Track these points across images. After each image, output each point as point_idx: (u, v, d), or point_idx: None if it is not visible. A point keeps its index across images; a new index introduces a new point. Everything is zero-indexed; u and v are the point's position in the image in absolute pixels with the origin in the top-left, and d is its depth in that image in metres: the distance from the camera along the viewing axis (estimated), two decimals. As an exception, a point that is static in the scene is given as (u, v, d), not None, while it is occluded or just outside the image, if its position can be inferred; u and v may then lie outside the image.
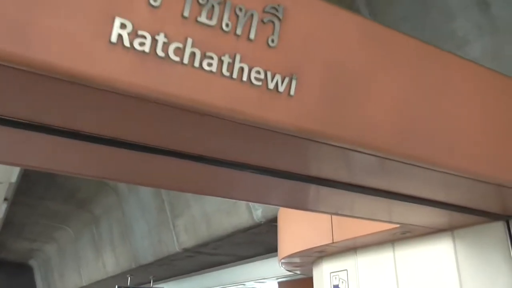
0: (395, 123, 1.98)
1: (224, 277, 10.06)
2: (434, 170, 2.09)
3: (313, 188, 2.35)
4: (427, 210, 2.73)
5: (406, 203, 2.52)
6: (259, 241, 7.38)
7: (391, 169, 2.11)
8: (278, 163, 2.08)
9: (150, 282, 13.38)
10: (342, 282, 4.39)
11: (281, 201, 3.02)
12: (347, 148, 1.89)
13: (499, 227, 3.11)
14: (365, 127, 1.89)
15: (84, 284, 14.92)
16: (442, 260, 3.44)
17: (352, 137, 1.85)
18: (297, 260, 5.03)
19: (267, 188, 2.44)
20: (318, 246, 4.21)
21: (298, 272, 6.20)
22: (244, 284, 9.75)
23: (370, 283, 4.05)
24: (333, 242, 4.00)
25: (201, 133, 1.78)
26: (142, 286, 13.18)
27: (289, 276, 8.33)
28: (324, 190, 2.31)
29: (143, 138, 1.81)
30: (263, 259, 8.47)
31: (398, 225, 3.34)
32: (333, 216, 4.06)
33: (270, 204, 4.96)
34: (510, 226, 3.05)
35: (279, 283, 11.03)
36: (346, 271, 4.36)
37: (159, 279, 13.25)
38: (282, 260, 5.07)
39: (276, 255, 8.52)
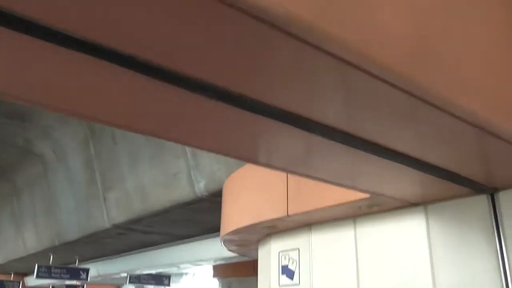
0: (408, 36, 1.46)
1: (157, 258, 9.36)
2: (426, 103, 1.58)
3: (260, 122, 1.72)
4: (400, 172, 2.26)
5: (375, 158, 2.01)
6: (198, 220, 6.78)
7: (378, 100, 1.58)
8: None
9: (76, 262, 12.40)
10: (293, 262, 3.90)
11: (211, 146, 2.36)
12: (343, 60, 1.33)
13: (481, 202, 2.73)
14: (372, 31, 1.34)
15: (0, 262, 13.61)
16: (412, 240, 3.02)
17: (353, 41, 1.30)
18: (242, 237, 4.49)
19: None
20: (269, 220, 3.69)
21: (240, 253, 5.67)
22: (178, 267, 9.11)
23: (325, 263, 3.58)
24: (287, 215, 3.48)
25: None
26: (66, 266, 12.16)
27: (226, 259, 7.81)
28: (276, 128, 1.72)
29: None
30: (201, 239, 7.88)
31: (364, 197, 2.88)
32: (290, 186, 3.55)
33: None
34: (496, 201, 2.66)
35: (215, 266, 10.53)
36: (297, 250, 3.88)
37: (86, 259, 12.30)
38: (225, 237, 4.51)
39: (216, 236, 7.98)
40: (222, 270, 10.57)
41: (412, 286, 2.93)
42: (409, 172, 2.25)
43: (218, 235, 6.97)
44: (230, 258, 7.44)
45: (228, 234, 4.36)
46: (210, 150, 2.07)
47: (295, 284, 3.81)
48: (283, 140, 1.92)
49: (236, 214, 4.27)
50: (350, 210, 3.28)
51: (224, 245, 5.05)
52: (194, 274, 17.34)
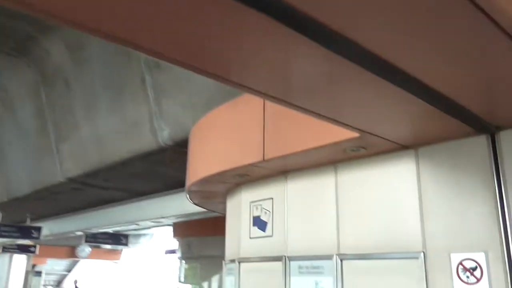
0: None
1: (116, 216, 8.97)
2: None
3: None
4: (396, 101, 1.99)
5: (372, 77, 1.71)
6: (160, 174, 6.40)
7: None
8: None
9: (27, 220, 11.80)
10: (265, 213, 3.64)
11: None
12: None
13: (479, 144, 2.51)
14: None
15: None
16: (400, 186, 2.79)
17: None
18: (210, 187, 4.18)
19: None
20: (243, 166, 3.38)
21: (205, 207, 5.38)
22: (138, 224, 8.76)
23: (302, 214, 3.34)
24: (263, 160, 3.18)
25: None
26: (16, 224, 11.56)
27: (189, 215, 7.53)
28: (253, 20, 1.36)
29: None
30: (163, 195, 7.53)
31: (352, 136, 2.60)
32: (267, 128, 3.23)
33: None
34: (497, 142, 2.45)
35: (175, 226, 10.24)
36: (271, 200, 3.61)
37: (38, 217, 11.72)
38: (191, 188, 4.18)
39: (179, 192, 7.65)
40: (182, 230, 10.30)
41: (399, 236, 2.73)
42: (406, 101, 1.98)
43: (182, 191, 6.65)
44: (193, 214, 7.16)
45: (195, 184, 4.04)
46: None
47: (268, 236, 3.56)
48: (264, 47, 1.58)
49: (204, 162, 3.94)
50: (332, 154, 3.01)
51: (190, 197, 4.73)
52: (153, 234, 17.07)
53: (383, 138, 2.61)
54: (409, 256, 2.64)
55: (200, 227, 9.91)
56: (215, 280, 10.10)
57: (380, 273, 2.76)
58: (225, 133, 3.69)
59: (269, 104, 3.24)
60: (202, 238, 9.90)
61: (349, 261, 2.94)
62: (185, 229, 10.26)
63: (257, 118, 3.31)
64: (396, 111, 2.22)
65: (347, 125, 2.38)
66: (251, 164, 3.30)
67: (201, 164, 3.99)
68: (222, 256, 4.39)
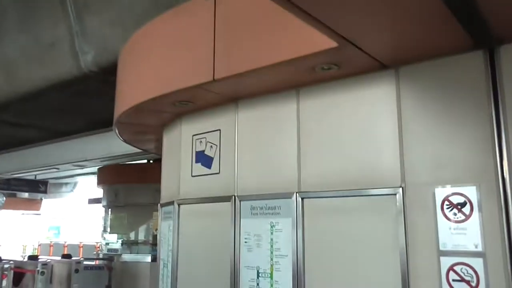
0: None
1: (32, 159, 8.05)
2: None
3: None
4: None
5: None
6: (83, 108, 5.64)
7: None
8: None
9: None
10: (211, 147, 3.15)
11: None
12: None
13: (474, 60, 2.16)
14: None
15: None
16: (376, 113, 2.42)
17: None
18: (144, 118, 3.59)
19: None
20: (186, 89, 2.83)
21: (137, 145, 4.78)
22: (57, 168, 7.94)
23: (255, 148, 2.89)
24: (213, 80, 2.65)
25: None
26: None
27: (116, 157, 6.86)
28: None
29: None
30: (88, 135, 6.76)
31: (325, 48, 2.15)
32: (218, 42, 2.68)
33: None
34: (496, 58, 2.10)
35: (100, 170, 9.52)
36: (218, 132, 3.12)
37: None
38: (122, 118, 3.57)
39: (105, 131, 6.92)
40: (108, 176, 9.61)
41: (374, 170, 2.37)
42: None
43: (109, 130, 5.95)
44: (120, 156, 6.52)
45: (126, 114, 3.43)
46: None
47: (214, 173, 3.10)
48: None
49: (137, 85, 3.33)
50: (295, 75, 2.55)
51: (119, 132, 4.11)
52: (76, 183, 16.12)
53: (362, 50, 2.18)
54: (385, 192, 2.30)
55: (127, 174, 9.32)
56: (142, 230, 9.67)
57: (349, 213, 2.41)
58: (165, 49, 3.09)
59: (222, 11, 2.68)
60: (130, 185, 9.35)
61: (312, 200, 2.57)
62: (111, 175, 9.58)
63: (206, 29, 2.75)
64: (384, 11, 1.77)
65: (328, 28, 1.90)
66: (198, 86, 2.76)
67: (133, 89, 3.38)
68: (151, 204, 3.90)
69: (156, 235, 6.93)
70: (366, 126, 2.43)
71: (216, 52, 2.66)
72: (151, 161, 8.95)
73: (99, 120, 5.81)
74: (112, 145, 6.22)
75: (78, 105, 5.47)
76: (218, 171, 3.07)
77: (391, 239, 2.24)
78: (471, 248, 2.03)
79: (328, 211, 2.49)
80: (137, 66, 3.39)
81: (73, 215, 21.37)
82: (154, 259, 7.04)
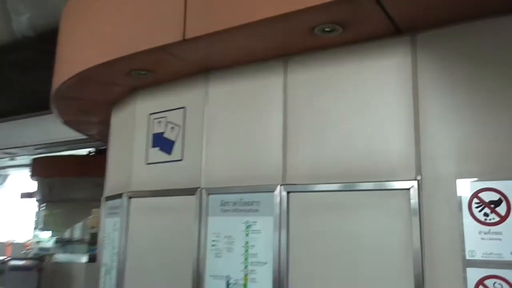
0: None
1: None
2: None
3: None
4: None
5: None
6: (14, 83, 4.88)
7: None
8: None
9: None
10: (173, 128, 2.63)
11: None
12: None
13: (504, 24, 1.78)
14: None
15: None
16: (386, 89, 2.00)
17: None
18: (91, 92, 3.00)
19: None
20: (147, 52, 2.28)
21: (79, 128, 4.14)
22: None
23: (229, 130, 2.40)
24: (183, 40, 2.13)
25: None
26: None
27: (52, 146, 6.12)
28: None
29: None
30: (20, 119, 5.97)
31: (326, 1, 1.71)
32: (190, -8, 2.17)
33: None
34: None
35: (35, 161, 8.66)
36: (182, 110, 2.60)
37: None
38: (62, 90, 2.95)
39: (41, 115, 6.13)
40: (43, 168, 8.75)
41: (383, 159, 1.95)
42: None
43: (45, 113, 5.23)
44: (58, 144, 5.79)
45: (67, 84, 2.83)
46: None
47: (175, 160, 2.58)
48: None
49: (84, 49, 2.73)
50: (287, 38, 2.09)
51: (58, 111, 3.47)
52: (6, 177, 14.86)
53: (381, 6, 1.75)
54: (396, 186, 1.88)
55: (64, 166, 8.54)
56: (79, 227, 8.91)
57: (347, 211, 1.97)
58: (120, 2, 2.52)
59: (197, -46, 2.17)
60: (67, 179, 8.59)
61: (300, 195, 2.11)
62: (46, 168, 8.75)
63: (175, -24, 2.22)
64: None
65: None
66: (162, 49, 2.23)
67: (77, 54, 2.78)
68: (90, 200, 3.32)
69: (95, 234, 6.25)
70: (373, 104, 2.00)
71: (188, 5, 2.15)
72: (91, 153, 8.24)
73: (35, 100, 5.08)
74: (49, 130, 5.51)
75: (7, 80, 4.71)
76: (180, 158, 2.55)
77: (403, 246, 1.82)
78: (507, 257, 1.65)
79: (321, 209, 2.04)
80: (83, 24, 2.79)
81: (3, 211, 19.83)
82: (91, 259, 6.40)
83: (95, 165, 4.63)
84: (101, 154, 5.75)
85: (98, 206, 3.59)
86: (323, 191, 2.04)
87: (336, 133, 2.06)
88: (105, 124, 3.56)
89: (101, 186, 3.33)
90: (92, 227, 6.20)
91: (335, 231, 1.98)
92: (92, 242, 6.16)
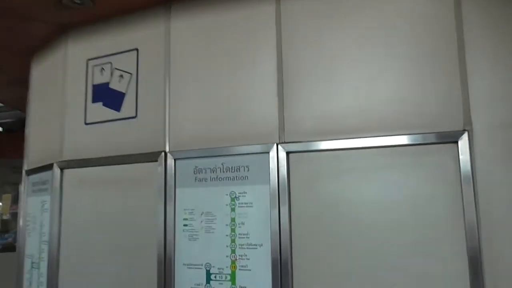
0: None
1: None
2: None
3: None
4: None
5: None
6: None
7: None
8: None
9: None
10: (122, 77, 2.03)
11: None
12: None
13: None
14: None
15: None
16: (423, 17, 1.56)
17: None
18: (1, 35, 2.28)
19: None
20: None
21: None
22: None
23: (202, 77, 1.87)
24: None
25: None
26: None
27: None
28: None
29: None
30: None
31: None
32: None
33: None
34: None
35: None
36: (134, 53, 2.01)
37: None
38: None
39: None
40: None
41: (414, 108, 1.53)
42: None
43: None
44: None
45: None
46: None
47: (127, 118, 1.99)
48: None
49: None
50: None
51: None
52: None
53: None
54: (436, 139, 1.47)
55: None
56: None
57: (371, 173, 1.54)
58: None
59: None
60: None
61: (304, 156, 1.64)
62: None
63: None
64: None
65: None
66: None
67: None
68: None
69: (6, 220, 5.39)
70: (403, 36, 1.57)
71: None
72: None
73: None
74: None
75: None
76: (134, 115, 1.97)
77: (450, 216, 1.43)
78: None
79: (332, 173, 1.59)
80: None
81: None
82: (4, 249, 5.52)
83: (7, 145, 4.08)
84: (15, 134, 4.85)
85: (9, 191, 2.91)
86: (335, 150, 1.59)
87: (351, 74, 1.61)
88: (21, 84, 2.84)
89: (16, 169, 2.64)
90: (4, 214, 5.31)
91: (352, 202, 1.54)
92: (3, 231, 5.29)
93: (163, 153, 1.84)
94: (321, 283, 1.55)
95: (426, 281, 1.42)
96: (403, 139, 1.50)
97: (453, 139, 1.44)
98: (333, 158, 1.59)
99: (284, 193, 1.62)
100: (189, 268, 1.75)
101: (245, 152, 1.71)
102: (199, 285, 1.72)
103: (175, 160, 1.82)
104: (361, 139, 1.55)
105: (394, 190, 1.50)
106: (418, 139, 1.48)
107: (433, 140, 1.46)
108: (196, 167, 1.79)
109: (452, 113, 1.46)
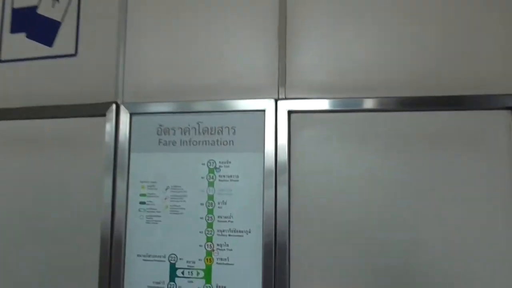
0: None
1: None
2: None
3: None
4: None
5: None
6: None
7: None
8: None
9: None
10: (55, 0, 1.50)
11: None
12: None
13: None
14: None
15: None
16: None
17: None
18: None
19: None
20: None
21: None
22: None
23: (174, 3, 1.40)
24: None
25: None
26: None
27: None
28: None
29: None
30: None
31: None
32: None
33: None
34: None
35: None
36: (77, -31, 1.49)
37: None
38: None
39: None
40: None
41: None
42: None
43: None
44: None
45: None
46: None
47: (63, 55, 1.47)
48: None
49: None
50: None
51: None
52: None
53: None
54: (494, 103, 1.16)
55: None
56: None
57: (407, 141, 1.20)
58: None
59: None
60: None
61: (313, 117, 1.26)
62: None
63: None
64: None
65: None
66: None
67: None
68: None
69: None
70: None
71: None
72: None
73: None
74: None
75: None
76: (73, 52, 1.46)
77: (500, 194, 1.13)
78: None
79: (348, 138, 1.23)
80: None
81: None
82: None
83: None
84: None
85: None
86: (352, 111, 1.22)
87: (377, 17, 1.25)
88: None
89: None
90: None
91: (372, 179, 1.19)
92: None
93: (113, 105, 1.36)
94: (326, 277, 1.19)
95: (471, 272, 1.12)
96: (446, 101, 1.17)
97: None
98: (348, 121, 1.22)
99: (284, 165, 1.23)
100: (146, 260, 1.30)
101: (231, 109, 1.29)
102: (159, 283, 1.29)
103: (131, 115, 1.36)
104: (386, 98, 1.20)
105: (429, 167, 1.17)
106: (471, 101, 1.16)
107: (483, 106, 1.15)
108: (160, 126, 1.34)
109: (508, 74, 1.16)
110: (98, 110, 1.38)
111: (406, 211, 1.16)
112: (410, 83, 1.19)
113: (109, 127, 1.36)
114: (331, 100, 1.22)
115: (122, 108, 1.36)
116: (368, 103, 1.20)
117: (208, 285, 1.25)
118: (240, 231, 1.25)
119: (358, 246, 1.17)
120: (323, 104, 1.23)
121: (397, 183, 1.17)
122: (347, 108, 1.21)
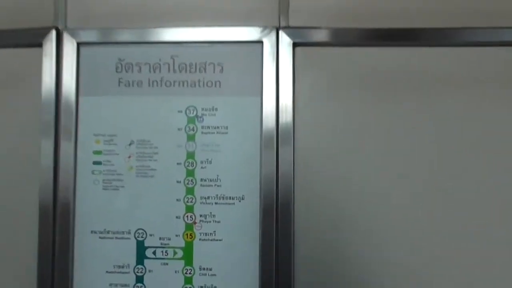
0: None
1: None
2: None
3: None
4: None
5: None
6: None
7: None
8: None
9: None
10: None
11: None
12: None
13: None
14: None
15: None
16: None
17: None
18: None
19: None
20: None
21: None
22: None
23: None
24: None
25: None
26: None
27: None
28: None
29: None
30: None
31: None
32: None
33: None
34: None
35: None
36: None
37: None
38: None
39: None
40: None
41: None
42: None
43: None
44: None
45: None
46: None
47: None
48: None
49: None
50: None
51: None
52: None
53: None
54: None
55: None
56: None
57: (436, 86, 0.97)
58: None
59: None
60: None
61: (324, 51, 0.99)
62: None
63: None
64: None
65: None
66: None
67: None
68: None
69: None
70: None
71: None
72: None
73: None
74: None
75: None
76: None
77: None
78: None
79: (368, 82, 0.98)
80: None
81: None
82: None
83: None
84: None
85: None
86: (378, 45, 0.97)
87: None
88: None
89: None
90: None
91: (397, 138, 0.96)
92: None
93: (53, 32, 1.01)
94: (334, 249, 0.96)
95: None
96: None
97: None
98: (373, 57, 0.97)
99: (287, 112, 0.96)
100: (104, 238, 0.99)
101: (217, 40, 0.98)
102: (122, 267, 0.99)
103: (78, 45, 1.01)
104: (424, 30, 0.95)
105: (484, 130, 0.95)
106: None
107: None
108: (121, 60, 1.01)
109: None
110: (31, 38, 1.01)
111: (427, 171, 0.94)
112: (448, 12, 0.96)
113: (48, 61, 1.00)
114: (351, 30, 0.96)
115: (65, 35, 1.01)
116: (402, 35, 0.94)
117: (188, 267, 0.97)
118: (230, 198, 0.97)
119: (376, 216, 0.94)
120: (340, 34, 0.96)
121: (425, 141, 0.94)
122: (373, 42, 0.96)
